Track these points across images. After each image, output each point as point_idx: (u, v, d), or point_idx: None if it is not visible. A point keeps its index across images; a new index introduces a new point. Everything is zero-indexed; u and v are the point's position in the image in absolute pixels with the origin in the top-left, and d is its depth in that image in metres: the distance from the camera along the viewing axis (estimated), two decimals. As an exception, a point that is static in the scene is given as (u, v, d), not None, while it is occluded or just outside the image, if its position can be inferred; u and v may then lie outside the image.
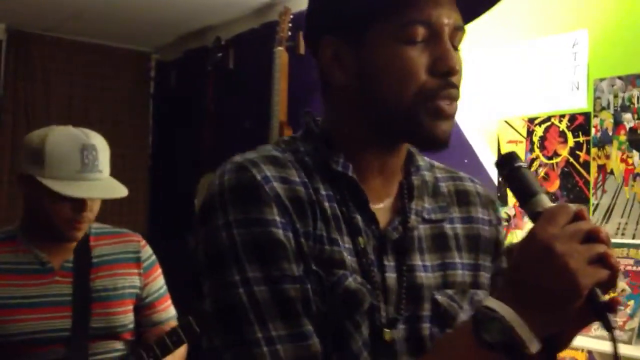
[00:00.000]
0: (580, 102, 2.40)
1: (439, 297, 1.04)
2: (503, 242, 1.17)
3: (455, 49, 1.00)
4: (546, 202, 0.91)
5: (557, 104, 2.46)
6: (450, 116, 0.99)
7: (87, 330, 1.93)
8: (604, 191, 2.31)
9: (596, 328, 2.14)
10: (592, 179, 2.35)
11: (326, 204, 0.99)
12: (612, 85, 2.30)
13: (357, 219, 1.01)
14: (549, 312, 0.84)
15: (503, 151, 2.62)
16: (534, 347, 0.84)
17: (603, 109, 2.33)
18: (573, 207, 0.88)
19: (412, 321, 1.01)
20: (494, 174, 2.65)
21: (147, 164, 4.91)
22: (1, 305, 1.90)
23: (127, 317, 2.02)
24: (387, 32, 0.97)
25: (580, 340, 2.16)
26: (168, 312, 2.16)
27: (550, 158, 2.48)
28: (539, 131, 2.51)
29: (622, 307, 2.17)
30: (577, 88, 2.40)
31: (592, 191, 2.34)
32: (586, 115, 2.38)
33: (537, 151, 2.51)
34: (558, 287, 0.83)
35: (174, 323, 2.10)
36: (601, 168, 2.32)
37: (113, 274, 2.03)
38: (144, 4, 3.91)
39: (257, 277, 0.92)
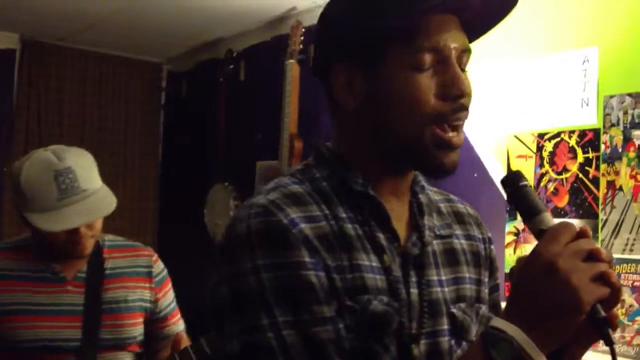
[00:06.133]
0: (590, 119, 2.41)
1: (455, 310, 1.06)
2: (495, 261, 1.20)
3: (463, 70, 1.02)
4: (549, 220, 0.94)
5: (567, 120, 2.48)
6: (458, 147, 1.02)
7: (97, 341, 1.94)
8: (612, 207, 2.32)
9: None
10: (601, 195, 2.36)
11: (348, 226, 1.01)
12: (622, 102, 2.32)
13: (380, 237, 1.02)
14: (553, 328, 0.87)
15: (513, 166, 2.64)
16: None
17: (613, 125, 2.34)
18: (575, 225, 0.91)
19: (432, 336, 1.03)
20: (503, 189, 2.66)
21: (157, 173, 4.93)
22: (11, 311, 1.91)
23: (136, 329, 2.03)
24: (396, 60, 0.99)
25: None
26: (178, 325, 2.17)
27: (559, 173, 2.49)
28: (548, 146, 2.53)
29: (629, 323, 2.18)
30: (587, 104, 2.42)
31: (601, 207, 2.36)
32: (596, 132, 2.39)
33: (546, 166, 2.53)
34: (561, 303, 0.85)
35: (183, 334, 2.11)
36: (610, 184, 2.34)
37: (124, 286, 2.04)
38: (157, 16, 3.94)
39: (287, 321, 0.92)
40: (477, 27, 1.06)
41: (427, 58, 0.98)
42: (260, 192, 1.03)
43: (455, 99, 0.99)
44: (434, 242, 1.09)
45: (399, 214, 1.08)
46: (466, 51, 1.02)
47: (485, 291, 1.15)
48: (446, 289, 1.07)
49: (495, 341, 0.87)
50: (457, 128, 1.01)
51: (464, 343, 1.06)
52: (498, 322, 0.89)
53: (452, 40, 0.99)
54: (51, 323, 1.92)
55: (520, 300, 0.89)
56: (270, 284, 0.93)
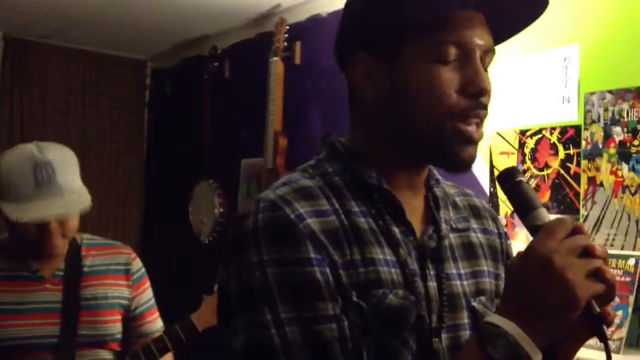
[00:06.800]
0: (571, 115, 2.44)
1: (476, 304, 1.06)
2: (511, 256, 1.19)
3: (485, 70, 1.02)
4: (545, 216, 0.94)
5: (548, 117, 2.50)
6: (477, 141, 1.02)
7: (75, 338, 1.94)
8: (593, 203, 2.34)
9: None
10: (582, 191, 2.38)
11: (361, 220, 1.00)
12: (603, 99, 2.34)
13: (395, 230, 1.02)
14: (548, 324, 0.87)
15: (495, 162, 2.66)
16: (538, 358, 0.87)
17: (593, 122, 2.36)
18: (571, 220, 0.90)
19: (453, 330, 1.02)
20: (485, 184, 2.68)
21: (142, 171, 4.92)
22: None
23: (115, 326, 2.03)
24: (420, 51, 0.98)
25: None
26: (156, 324, 2.17)
27: (541, 170, 2.51)
28: (530, 143, 2.55)
29: (610, 317, 2.20)
30: (568, 101, 2.44)
31: (582, 203, 2.38)
32: (577, 128, 2.42)
33: (528, 163, 2.55)
34: (557, 299, 0.85)
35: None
36: (591, 180, 2.36)
37: (103, 284, 2.04)
38: (141, 12, 3.93)
39: (290, 318, 0.92)
40: (503, 29, 1.06)
41: (452, 51, 0.98)
42: (269, 188, 1.02)
43: (474, 96, 0.99)
44: (451, 235, 1.09)
45: (414, 208, 1.07)
46: (490, 51, 1.02)
47: (502, 286, 1.13)
48: (465, 283, 1.07)
49: (491, 337, 0.87)
50: (477, 124, 1.01)
51: None
52: (493, 318, 0.89)
53: (478, 37, 0.99)
54: (26, 321, 1.92)
55: (515, 296, 0.89)
56: (275, 279, 0.93)
